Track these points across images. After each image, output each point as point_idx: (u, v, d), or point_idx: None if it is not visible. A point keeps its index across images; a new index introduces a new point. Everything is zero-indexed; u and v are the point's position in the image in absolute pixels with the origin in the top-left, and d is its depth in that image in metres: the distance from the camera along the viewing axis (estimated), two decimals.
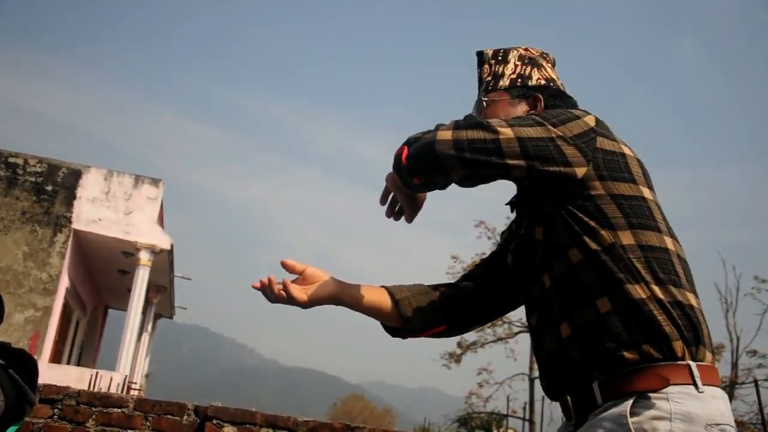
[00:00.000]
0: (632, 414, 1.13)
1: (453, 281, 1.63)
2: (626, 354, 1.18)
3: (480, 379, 14.70)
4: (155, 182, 12.31)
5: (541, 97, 1.50)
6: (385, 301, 1.52)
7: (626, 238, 1.24)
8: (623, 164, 1.30)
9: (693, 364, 1.16)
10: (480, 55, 1.63)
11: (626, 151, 1.33)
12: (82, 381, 10.85)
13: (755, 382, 8.98)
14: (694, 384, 1.15)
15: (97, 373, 11.41)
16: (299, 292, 1.43)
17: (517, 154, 1.24)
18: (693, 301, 1.23)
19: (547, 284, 1.31)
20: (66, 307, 12.85)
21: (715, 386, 1.17)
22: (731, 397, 10.19)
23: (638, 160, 1.34)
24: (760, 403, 8.59)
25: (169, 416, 3.44)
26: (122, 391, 11.23)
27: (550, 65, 1.58)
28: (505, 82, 1.54)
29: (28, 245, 11.30)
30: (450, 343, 15.59)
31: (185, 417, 3.45)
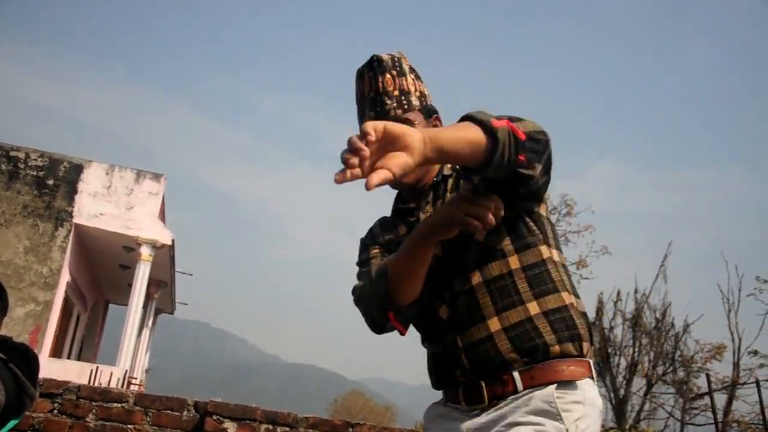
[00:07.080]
0: (557, 398, 1.30)
1: None
2: (551, 349, 1.34)
3: None
4: (157, 177, 12.29)
5: (440, 118, 1.54)
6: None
7: (556, 255, 1.44)
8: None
9: (591, 361, 1.40)
10: (380, 62, 1.50)
11: None
12: (82, 376, 10.87)
13: (757, 382, 9.00)
14: (592, 377, 1.38)
15: (97, 368, 11.43)
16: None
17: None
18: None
19: (475, 282, 1.40)
20: (67, 301, 12.85)
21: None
22: (733, 398, 10.22)
23: None
24: (761, 404, 8.59)
25: (169, 411, 3.43)
26: (122, 386, 11.24)
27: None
28: (414, 101, 1.51)
29: (29, 239, 11.30)
30: None
31: (185, 412, 3.44)
